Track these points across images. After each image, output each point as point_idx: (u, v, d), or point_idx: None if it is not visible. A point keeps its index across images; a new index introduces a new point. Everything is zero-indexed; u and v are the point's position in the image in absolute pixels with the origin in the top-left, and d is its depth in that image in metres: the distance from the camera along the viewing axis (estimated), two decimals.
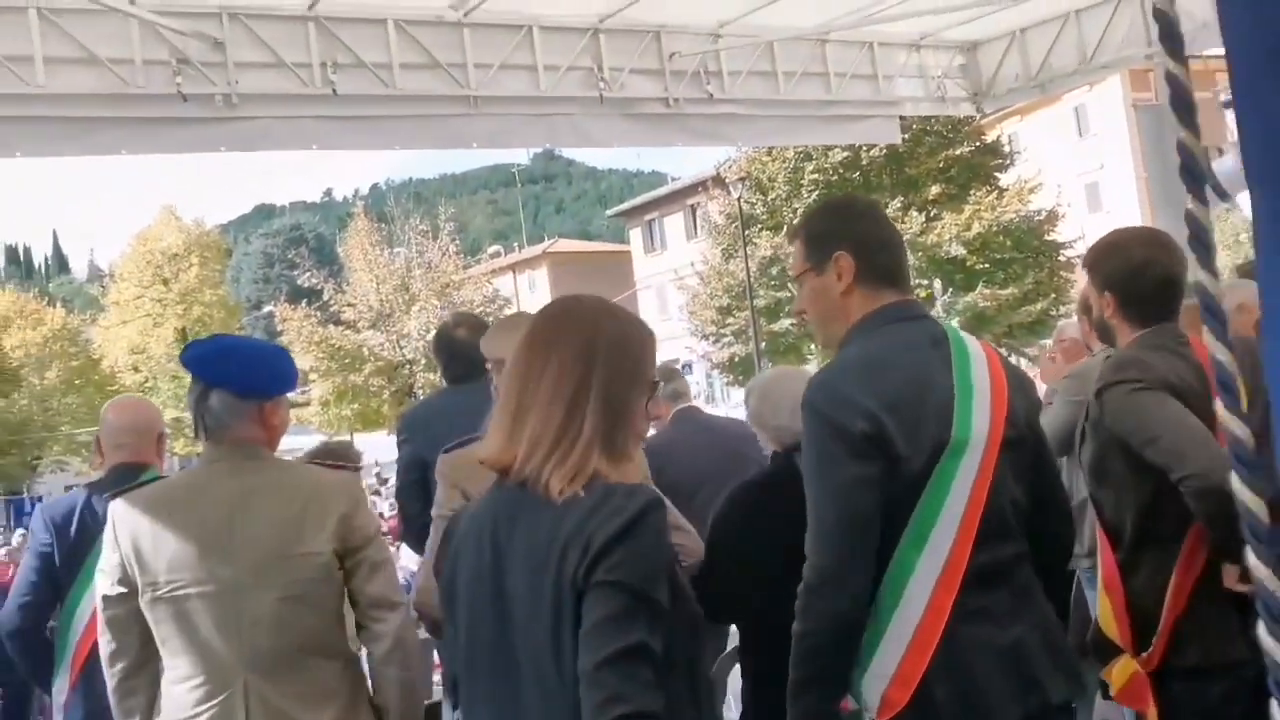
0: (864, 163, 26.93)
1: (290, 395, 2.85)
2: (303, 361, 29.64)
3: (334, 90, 5.72)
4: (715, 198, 30.46)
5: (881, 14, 6.58)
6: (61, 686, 3.50)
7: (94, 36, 5.27)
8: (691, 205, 40.17)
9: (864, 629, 2.19)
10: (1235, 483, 0.96)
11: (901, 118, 8.14)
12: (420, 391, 31.44)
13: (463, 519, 2.03)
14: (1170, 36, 0.99)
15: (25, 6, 5.09)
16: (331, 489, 2.65)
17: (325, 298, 32.23)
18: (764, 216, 28.00)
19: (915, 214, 26.01)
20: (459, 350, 4.06)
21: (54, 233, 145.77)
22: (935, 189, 26.67)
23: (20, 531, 20.46)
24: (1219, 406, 1.00)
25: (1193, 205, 0.99)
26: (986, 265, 26.51)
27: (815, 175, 27.01)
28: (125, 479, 3.16)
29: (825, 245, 2.39)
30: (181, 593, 2.50)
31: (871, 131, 8.00)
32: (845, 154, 26.13)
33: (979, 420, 2.24)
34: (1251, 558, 0.96)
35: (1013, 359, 8.29)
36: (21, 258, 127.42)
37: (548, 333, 1.92)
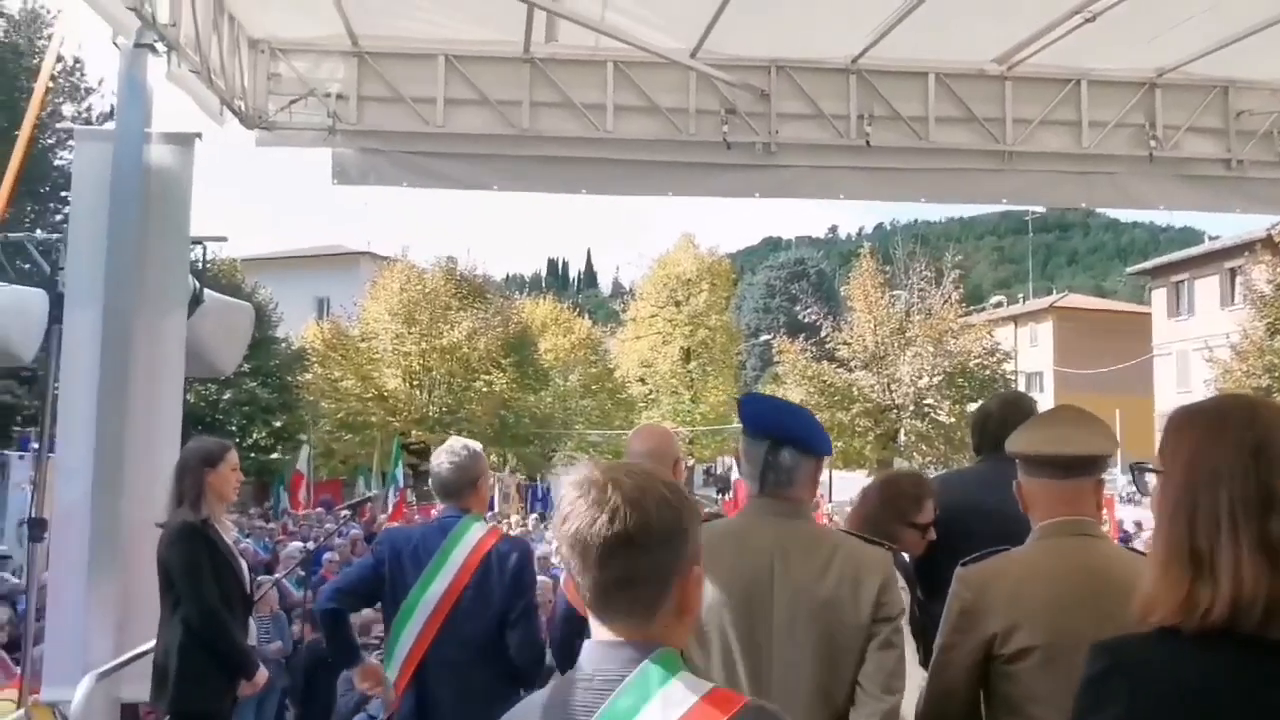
0: None
1: None
2: (794, 395, 30.51)
3: (867, 142, 5.80)
4: (1263, 263, 27.11)
5: None
6: None
7: (656, 86, 5.77)
8: (1230, 269, 36.07)
9: None
10: None
11: None
12: (905, 438, 31.11)
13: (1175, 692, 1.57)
14: None
15: (605, 60, 5.69)
16: (871, 563, 2.67)
17: (822, 334, 32.92)
18: None
19: None
20: (985, 420, 3.89)
21: (588, 250, 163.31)
22: None
23: (535, 515, 23.00)
24: None
25: None
26: None
27: None
28: None
29: None
30: (717, 632, 2.60)
31: None
32: None
33: None
34: None
35: None
36: (560, 270, 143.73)
37: None
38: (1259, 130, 6.14)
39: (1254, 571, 1.51)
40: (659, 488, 1.52)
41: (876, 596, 2.61)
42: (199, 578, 4.38)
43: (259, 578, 8.47)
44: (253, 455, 28.85)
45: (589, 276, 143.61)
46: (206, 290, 5.19)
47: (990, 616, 2.46)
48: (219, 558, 4.47)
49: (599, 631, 1.54)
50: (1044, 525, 2.55)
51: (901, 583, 3.06)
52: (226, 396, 29.64)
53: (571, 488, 1.53)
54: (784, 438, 2.73)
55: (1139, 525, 13.99)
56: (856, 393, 31.29)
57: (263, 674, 4.58)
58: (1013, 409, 3.77)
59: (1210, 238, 43.96)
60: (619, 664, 1.48)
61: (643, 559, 1.48)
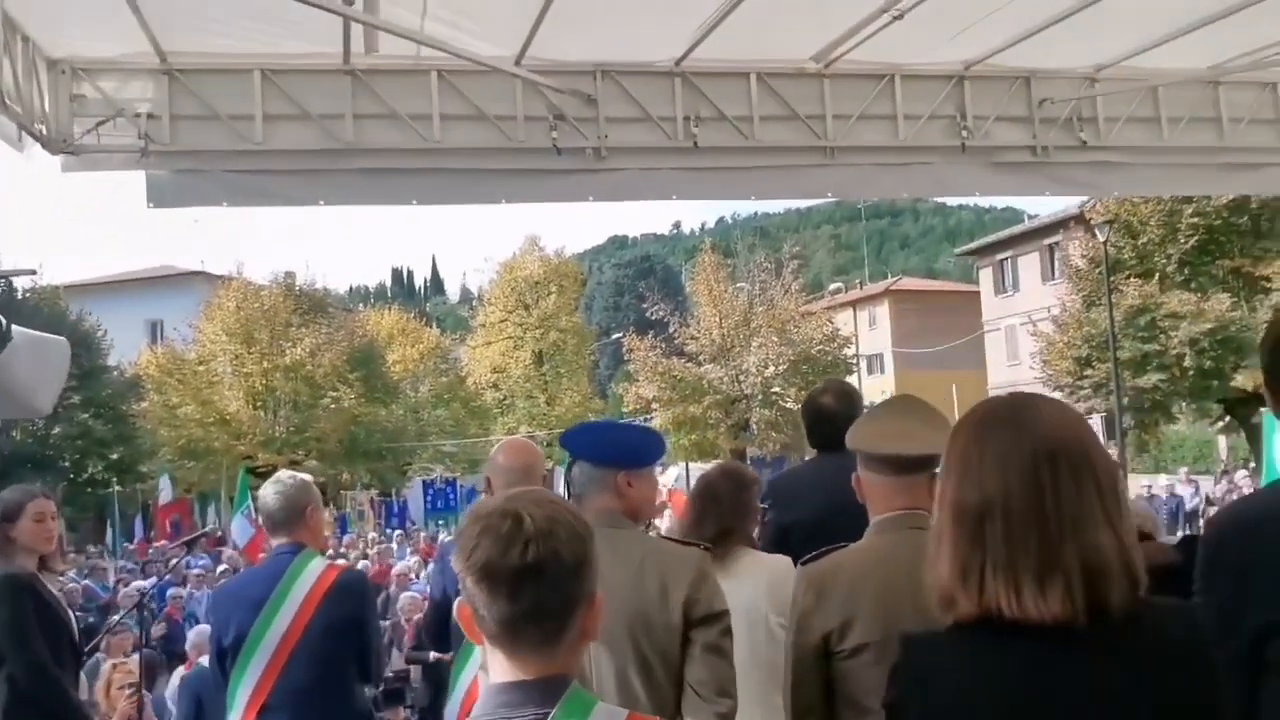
0: (1254, 206, 24.43)
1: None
2: (646, 390, 30.79)
3: (695, 143, 5.87)
4: (1077, 239, 28.67)
5: None
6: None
7: (482, 95, 5.71)
8: (1049, 245, 38.08)
9: None
10: None
11: None
12: (755, 426, 31.75)
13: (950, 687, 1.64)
14: None
15: (428, 69, 5.61)
16: (679, 565, 2.69)
17: (670, 330, 33.30)
18: (1132, 262, 26.05)
19: None
20: (824, 417, 3.93)
21: (433, 257, 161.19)
22: None
23: (398, 532, 22.53)
24: None
25: None
26: None
27: (1195, 219, 24.82)
28: None
29: None
30: None
31: (1273, 182, 7.21)
32: (1232, 197, 23.80)
33: None
34: None
35: None
36: (405, 279, 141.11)
37: None
38: (1060, 117, 6.47)
39: (951, 570, 1.60)
40: (567, 517, 1.53)
41: (686, 596, 2.63)
42: (25, 633, 4.09)
43: (108, 619, 8.03)
44: (89, 490, 27.46)
45: (435, 284, 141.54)
46: (15, 327, 4.89)
47: (827, 615, 2.52)
48: (46, 610, 4.20)
49: (502, 668, 1.52)
50: (880, 520, 2.61)
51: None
52: (56, 431, 28.06)
53: (476, 518, 1.51)
54: (574, 454, 2.83)
55: None
56: (707, 385, 31.78)
57: None
58: (844, 389, 3.90)
59: (1030, 217, 46.26)
60: (533, 706, 1.48)
61: (552, 590, 1.48)
